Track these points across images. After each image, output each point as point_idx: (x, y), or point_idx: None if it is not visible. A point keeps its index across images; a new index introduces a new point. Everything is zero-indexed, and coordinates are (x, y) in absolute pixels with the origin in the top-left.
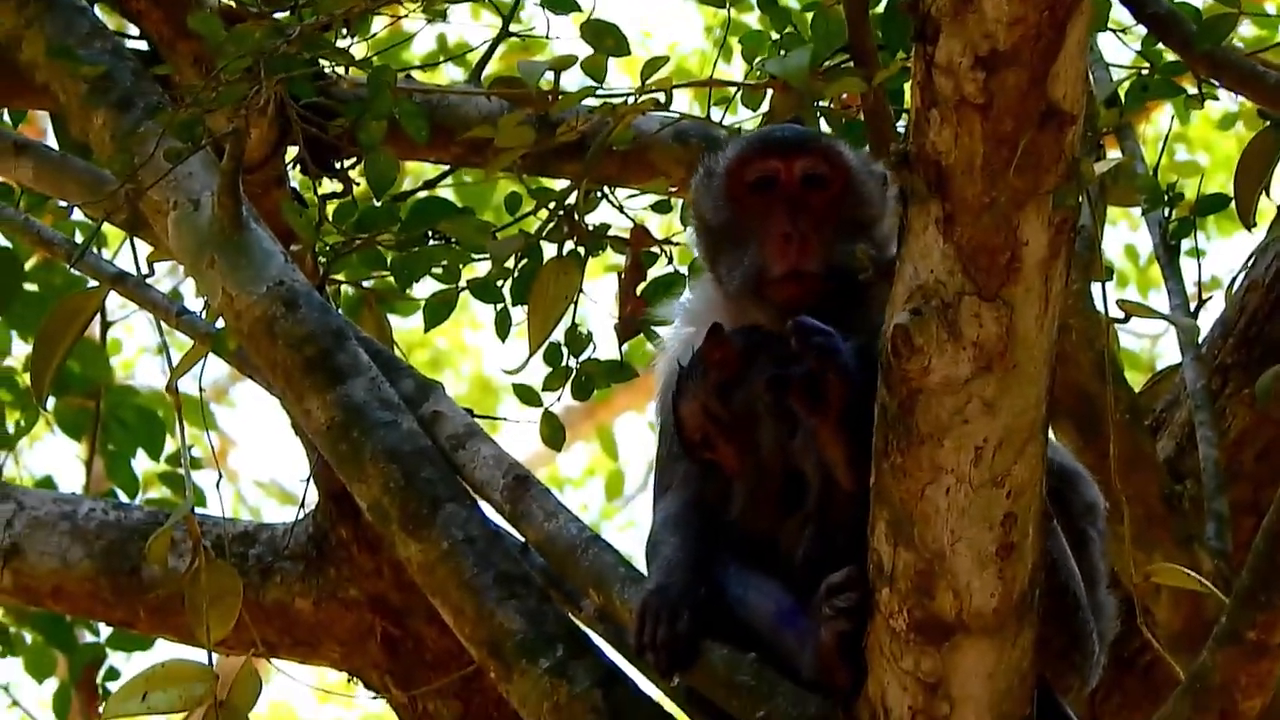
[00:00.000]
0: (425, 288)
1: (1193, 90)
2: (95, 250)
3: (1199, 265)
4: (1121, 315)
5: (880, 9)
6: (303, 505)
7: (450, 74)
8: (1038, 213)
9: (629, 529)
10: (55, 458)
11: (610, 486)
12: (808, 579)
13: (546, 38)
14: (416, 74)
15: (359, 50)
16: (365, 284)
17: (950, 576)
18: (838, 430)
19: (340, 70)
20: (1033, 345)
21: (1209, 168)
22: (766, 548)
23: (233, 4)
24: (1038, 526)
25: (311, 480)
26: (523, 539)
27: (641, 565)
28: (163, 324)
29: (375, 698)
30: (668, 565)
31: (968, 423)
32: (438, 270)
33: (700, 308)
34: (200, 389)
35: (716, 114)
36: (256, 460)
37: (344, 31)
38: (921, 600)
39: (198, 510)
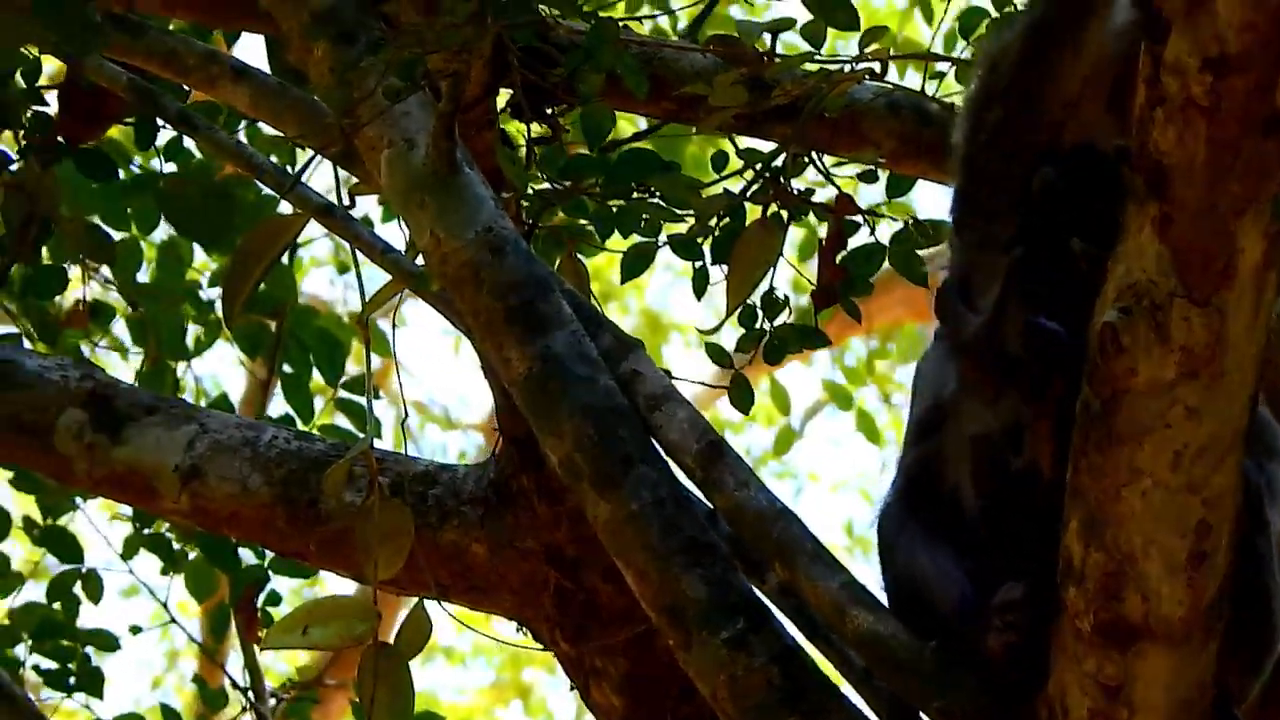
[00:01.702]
0: (618, 237)
1: None
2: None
3: None
4: None
5: None
6: (494, 454)
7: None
8: (1255, 221)
9: (786, 478)
10: (218, 364)
11: (780, 441)
12: (994, 555)
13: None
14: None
15: None
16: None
17: (1139, 580)
18: (1051, 425)
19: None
20: (1241, 353)
21: None
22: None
23: None
24: (1231, 536)
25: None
26: (711, 505)
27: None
28: (358, 254)
29: (543, 648)
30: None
31: (1170, 427)
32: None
33: None
34: (394, 325)
35: (929, 88)
36: (419, 381)
37: None
38: (1109, 602)
39: (380, 446)
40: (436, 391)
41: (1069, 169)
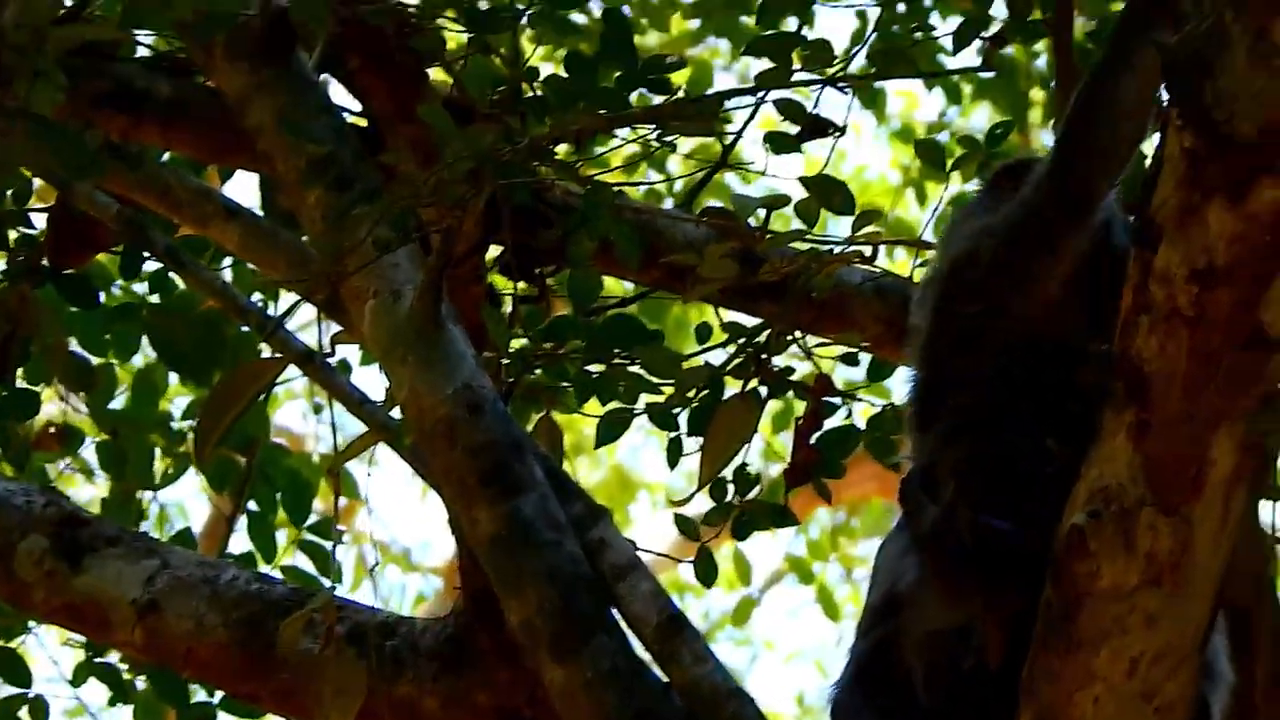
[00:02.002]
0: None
1: None
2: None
3: None
4: None
5: None
6: (454, 612)
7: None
8: (1230, 433)
9: (742, 645)
10: (182, 492)
11: (739, 611)
12: None
13: (762, 173)
14: (617, 178)
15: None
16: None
17: None
18: (1003, 623)
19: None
20: (1204, 565)
21: None
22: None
23: (457, 94)
24: None
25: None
26: (666, 679)
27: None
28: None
29: None
30: None
31: (1127, 633)
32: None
33: None
34: (368, 471)
35: (919, 274)
36: (383, 520)
37: (573, 148)
38: None
39: (340, 589)
40: (399, 531)
41: (1045, 368)
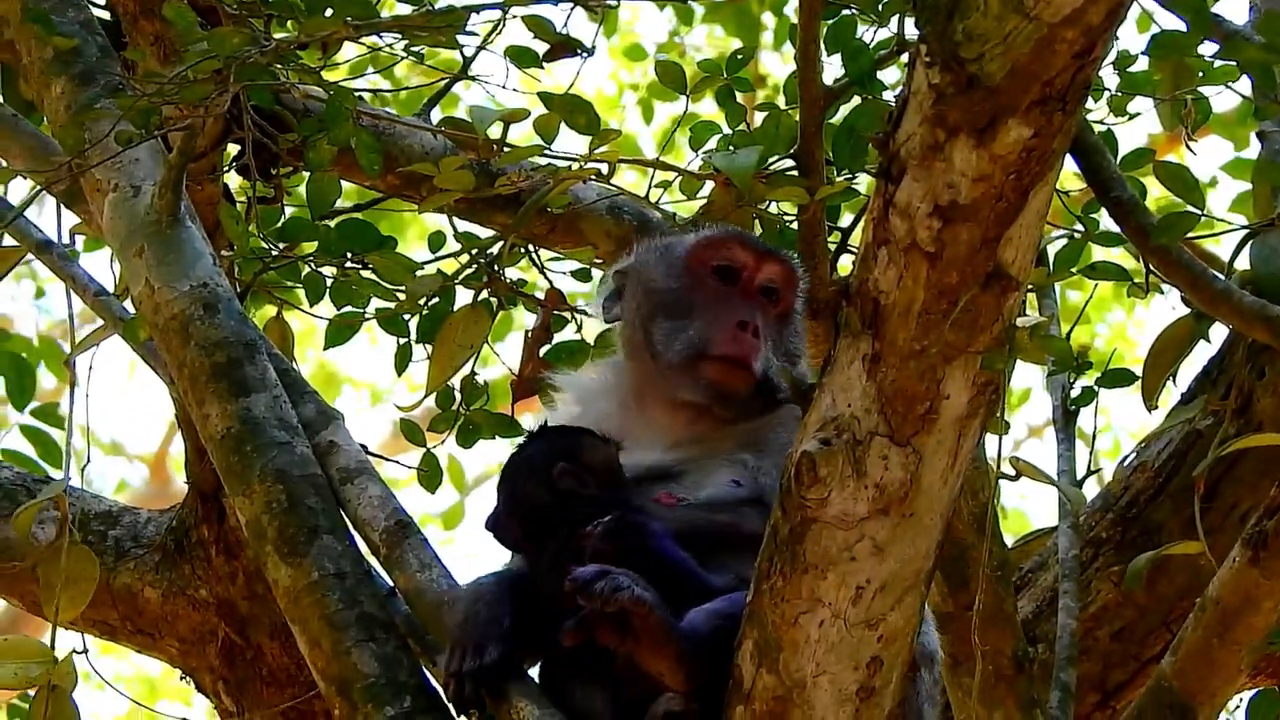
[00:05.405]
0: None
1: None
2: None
3: (1094, 436)
4: (1013, 473)
5: (836, 123)
6: (179, 506)
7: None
8: (964, 369)
9: (447, 545)
10: None
11: (450, 516)
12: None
13: (503, 86)
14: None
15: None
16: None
17: (806, 707)
18: (656, 648)
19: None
20: (934, 497)
21: (1099, 331)
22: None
23: None
24: (901, 675)
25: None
26: (391, 584)
27: None
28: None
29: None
30: (475, 592)
31: (854, 560)
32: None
33: (596, 390)
34: (90, 367)
35: (654, 195)
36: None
37: (319, 54)
38: None
39: (55, 474)
40: (105, 415)
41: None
